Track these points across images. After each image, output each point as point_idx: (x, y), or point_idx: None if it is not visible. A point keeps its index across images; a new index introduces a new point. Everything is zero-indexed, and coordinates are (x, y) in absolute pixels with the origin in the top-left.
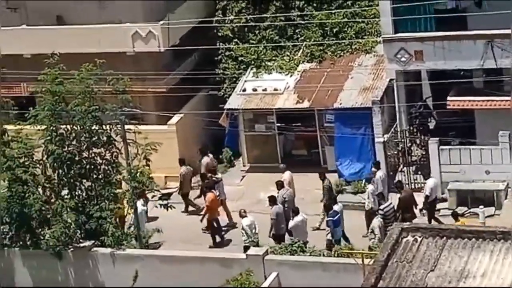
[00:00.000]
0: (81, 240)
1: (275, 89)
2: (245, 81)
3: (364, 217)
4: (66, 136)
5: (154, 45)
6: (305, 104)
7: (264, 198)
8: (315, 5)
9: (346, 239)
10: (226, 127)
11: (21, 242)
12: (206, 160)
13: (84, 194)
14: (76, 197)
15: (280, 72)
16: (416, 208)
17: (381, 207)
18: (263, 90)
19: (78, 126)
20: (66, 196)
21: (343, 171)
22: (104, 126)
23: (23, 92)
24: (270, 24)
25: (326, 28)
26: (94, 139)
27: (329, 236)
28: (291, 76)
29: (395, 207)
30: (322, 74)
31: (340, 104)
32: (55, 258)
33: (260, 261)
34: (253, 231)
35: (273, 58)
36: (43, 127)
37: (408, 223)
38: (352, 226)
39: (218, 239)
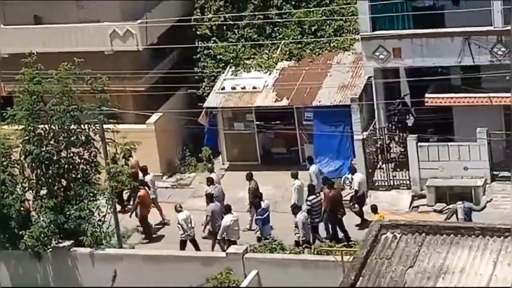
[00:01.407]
0: (60, 240)
1: (254, 87)
2: (224, 79)
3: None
4: (44, 136)
5: (132, 44)
6: (284, 102)
7: (244, 196)
8: (293, 3)
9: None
10: (205, 125)
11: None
12: (132, 161)
13: (62, 194)
14: (55, 197)
15: (258, 70)
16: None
17: (309, 198)
18: (242, 88)
19: (57, 125)
20: (44, 196)
21: (322, 168)
22: (82, 126)
23: (1, 91)
24: (249, 23)
25: (304, 26)
26: (72, 138)
27: (258, 234)
28: (269, 74)
29: (322, 204)
30: (300, 72)
31: (319, 102)
32: (34, 259)
33: (240, 259)
34: (189, 225)
35: (252, 56)
36: (21, 127)
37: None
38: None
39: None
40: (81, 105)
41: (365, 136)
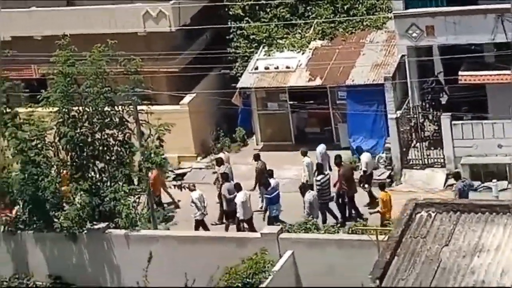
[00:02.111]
0: (95, 222)
1: (287, 67)
2: (257, 59)
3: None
4: (79, 118)
5: (165, 25)
6: (317, 82)
7: (279, 176)
8: None
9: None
10: (239, 106)
11: (35, 225)
12: None
13: (97, 175)
14: (89, 179)
15: (291, 50)
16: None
17: (318, 178)
18: (275, 68)
19: (90, 107)
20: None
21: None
22: (116, 107)
23: (34, 74)
24: (281, 2)
25: (337, 5)
26: (106, 120)
27: (267, 213)
28: (303, 53)
29: (333, 181)
30: (333, 51)
31: (352, 81)
32: (69, 241)
33: (275, 239)
34: (203, 204)
35: (285, 36)
36: (55, 109)
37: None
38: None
39: None
40: (115, 86)
41: (398, 115)
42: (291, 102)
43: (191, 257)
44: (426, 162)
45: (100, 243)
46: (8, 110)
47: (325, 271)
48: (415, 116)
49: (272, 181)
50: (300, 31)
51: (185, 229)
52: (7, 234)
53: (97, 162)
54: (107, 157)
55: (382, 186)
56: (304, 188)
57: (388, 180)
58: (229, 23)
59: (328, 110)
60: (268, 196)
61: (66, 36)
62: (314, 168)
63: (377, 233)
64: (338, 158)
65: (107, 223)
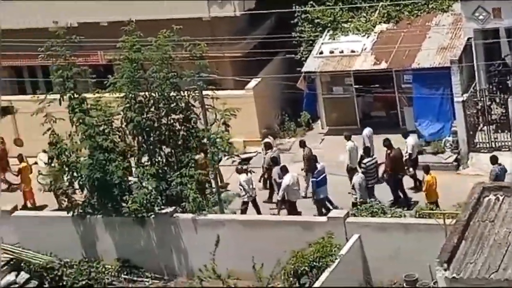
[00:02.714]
0: (162, 207)
1: (352, 51)
2: (322, 43)
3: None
4: (145, 103)
5: (230, 9)
6: (383, 65)
7: (344, 161)
8: None
9: (330, 202)
10: (303, 90)
11: (103, 210)
12: None
13: (164, 160)
14: (156, 164)
15: (356, 34)
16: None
17: (364, 161)
18: (340, 52)
19: (157, 93)
20: (146, 163)
21: (423, 131)
22: (182, 92)
23: (101, 60)
24: None
25: None
26: (172, 105)
27: (315, 197)
28: (368, 37)
29: (381, 165)
30: (399, 35)
31: (418, 64)
32: (138, 225)
33: (341, 223)
34: (250, 186)
35: (350, 19)
36: (122, 94)
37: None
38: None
39: None
40: (181, 72)
41: (465, 98)
42: (356, 86)
43: (258, 241)
44: (493, 146)
45: (168, 227)
46: (75, 96)
47: (392, 255)
48: (482, 99)
49: (318, 165)
50: (365, 14)
51: (251, 213)
52: (76, 219)
53: (163, 147)
54: (174, 142)
55: (426, 170)
56: (352, 170)
57: (454, 163)
58: (293, 7)
59: (394, 93)
60: (315, 179)
61: (132, 22)
62: (359, 152)
63: (445, 216)
64: (387, 141)
65: (174, 207)
